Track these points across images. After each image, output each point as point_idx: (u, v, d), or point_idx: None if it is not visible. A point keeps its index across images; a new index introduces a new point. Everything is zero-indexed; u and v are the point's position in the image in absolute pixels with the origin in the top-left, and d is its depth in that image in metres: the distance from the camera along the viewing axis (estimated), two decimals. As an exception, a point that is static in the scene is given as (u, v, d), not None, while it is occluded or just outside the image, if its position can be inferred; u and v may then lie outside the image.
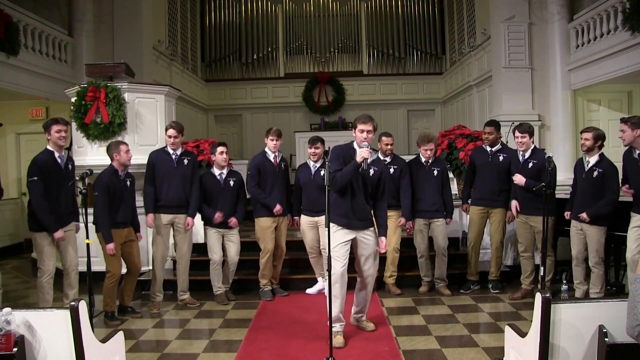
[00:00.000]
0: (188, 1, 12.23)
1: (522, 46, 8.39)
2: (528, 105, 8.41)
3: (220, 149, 5.09)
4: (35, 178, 4.22)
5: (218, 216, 5.01)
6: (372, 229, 4.02)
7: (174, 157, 4.95)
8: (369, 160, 3.76)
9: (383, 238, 4.02)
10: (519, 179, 4.85)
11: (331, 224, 3.82)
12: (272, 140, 5.16)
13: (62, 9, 8.53)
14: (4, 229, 8.14)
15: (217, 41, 13.29)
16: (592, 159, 4.53)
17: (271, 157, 5.20)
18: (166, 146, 5.01)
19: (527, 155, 4.93)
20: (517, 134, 4.97)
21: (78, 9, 8.43)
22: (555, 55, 8.25)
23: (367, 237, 3.97)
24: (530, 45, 8.39)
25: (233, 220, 5.13)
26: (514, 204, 5.00)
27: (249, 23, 13.31)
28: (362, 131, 3.84)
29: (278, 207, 5.10)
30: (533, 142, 4.99)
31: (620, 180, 4.49)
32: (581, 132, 4.65)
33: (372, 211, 4.06)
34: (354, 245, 3.97)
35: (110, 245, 4.48)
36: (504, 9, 8.45)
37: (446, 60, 13.00)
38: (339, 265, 3.84)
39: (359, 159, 3.70)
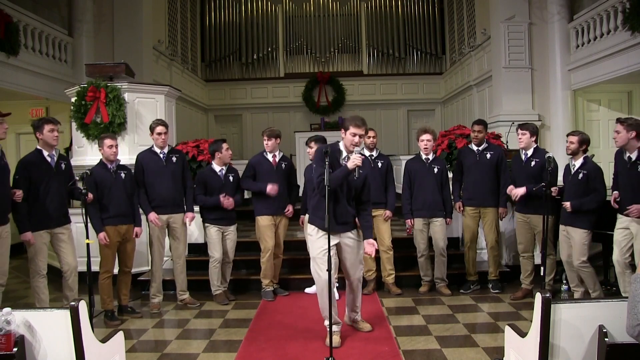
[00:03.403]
0: (188, 1, 12.24)
1: (522, 46, 8.41)
2: (528, 105, 8.42)
3: (226, 145, 5.14)
4: (17, 177, 4.18)
5: (224, 199, 4.98)
6: (354, 231, 3.92)
7: (162, 156, 4.95)
8: (350, 166, 3.62)
9: (371, 240, 3.85)
10: (519, 192, 4.80)
11: (313, 228, 3.78)
12: (264, 140, 5.20)
13: (62, 9, 8.53)
14: (4, 229, 8.14)
15: (217, 41, 13.30)
16: (577, 162, 4.55)
17: (269, 156, 5.21)
18: (152, 146, 4.99)
19: (529, 154, 4.93)
20: (518, 130, 5.00)
21: (78, 9, 8.45)
22: (555, 55, 8.25)
23: (350, 241, 3.90)
24: (530, 45, 8.41)
25: (230, 200, 5.04)
26: (510, 188, 4.94)
27: (249, 23, 13.32)
28: (355, 135, 3.64)
29: (270, 187, 4.97)
30: (536, 142, 4.98)
31: (611, 180, 4.48)
32: (567, 135, 4.67)
33: (354, 214, 3.91)
34: (338, 250, 3.88)
35: (101, 235, 4.46)
36: (504, 9, 8.47)
37: (446, 60, 13.01)
38: (323, 272, 3.67)
39: (351, 165, 3.56)
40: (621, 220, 4.21)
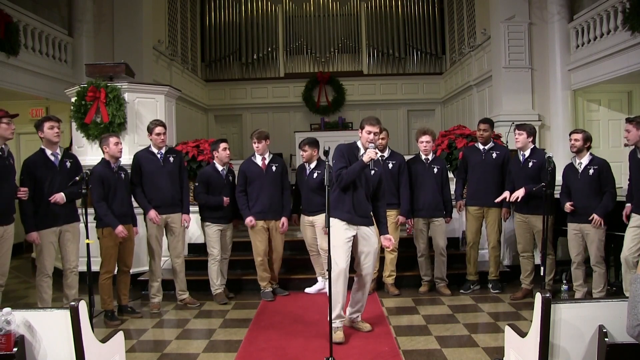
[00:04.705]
0: (188, 1, 12.24)
1: (522, 46, 8.41)
2: (528, 105, 8.42)
3: (223, 145, 5.13)
4: (22, 178, 4.21)
5: (227, 200, 5.05)
6: (373, 227, 4.05)
7: (159, 156, 4.94)
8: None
9: (388, 235, 4.07)
10: (519, 193, 4.79)
11: (333, 220, 3.84)
12: (254, 143, 5.14)
13: (62, 9, 8.53)
14: (4, 229, 8.14)
15: (217, 41, 13.30)
16: (584, 159, 4.59)
17: (258, 159, 5.15)
18: (149, 146, 5.00)
19: (527, 154, 4.93)
20: (515, 131, 5.01)
21: (78, 9, 8.44)
22: (555, 55, 8.25)
23: (368, 234, 3.99)
24: (530, 45, 8.40)
25: (237, 222, 5.30)
26: (506, 193, 4.93)
27: (249, 23, 13.32)
28: (370, 132, 3.90)
29: (249, 220, 5.03)
30: (533, 143, 4.98)
31: (628, 179, 4.49)
32: (570, 134, 4.72)
33: (371, 211, 4.09)
34: (354, 242, 3.98)
35: (119, 228, 4.48)
36: (504, 9, 8.47)
37: (446, 60, 13.01)
38: (341, 261, 3.85)
39: (366, 159, 3.79)
40: (635, 219, 4.23)
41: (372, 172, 3.95)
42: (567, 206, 4.61)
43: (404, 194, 5.12)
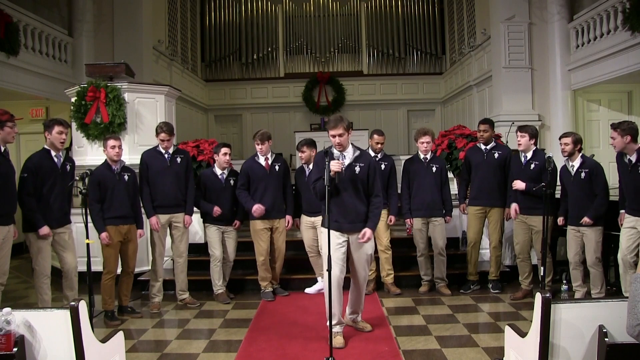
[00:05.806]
0: (188, 1, 12.23)
1: (522, 46, 8.41)
2: (528, 105, 8.42)
3: (224, 150, 5.12)
4: (25, 175, 4.21)
5: (216, 210, 5.03)
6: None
7: (166, 156, 4.96)
8: (346, 163, 3.85)
9: (367, 229, 3.87)
10: (518, 184, 4.83)
11: (324, 228, 3.81)
12: (257, 144, 5.12)
13: (62, 9, 8.53)
14: (4, 229, 8.14)
15: (217, 41, 13.30)
16: (576, 162, 4.60)
17: (261, 160, 5.14)
18: (157, 146, 5.01)
19: (528, 156, 4.92)
20: (517, 133, 5.01)
21: (78, 9, 8.44)
22: (555, 55, 8.26)
23: (360, 240, 3.93)
24: (530, 45, 8.41)
25: (237, 224, 5.27)
26: (514, 207, 4.97)
27: (249, 23, 13.32)
28: (333, 136, 3.86)
29: (256, 207, 4.99)
30: (535, 145, 4.98)
31: (612, 179, 4.51)
32: (560, 138, 4.74)
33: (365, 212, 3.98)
34: (348, 246, 3.95)
35: (103, 235, 4.47)
36: (504, 9, 8.47)
37: (446, 60, 13.01)
38: (335, 268, 3.79)
39: (331, 173, 3.70)
40: (628, 220, 4.24)
41: (358, 169, 3.88)
42: (560, 220, 4.75)
43: (392, 195, 5.13)
